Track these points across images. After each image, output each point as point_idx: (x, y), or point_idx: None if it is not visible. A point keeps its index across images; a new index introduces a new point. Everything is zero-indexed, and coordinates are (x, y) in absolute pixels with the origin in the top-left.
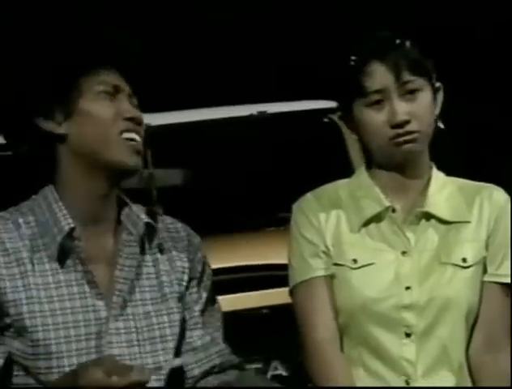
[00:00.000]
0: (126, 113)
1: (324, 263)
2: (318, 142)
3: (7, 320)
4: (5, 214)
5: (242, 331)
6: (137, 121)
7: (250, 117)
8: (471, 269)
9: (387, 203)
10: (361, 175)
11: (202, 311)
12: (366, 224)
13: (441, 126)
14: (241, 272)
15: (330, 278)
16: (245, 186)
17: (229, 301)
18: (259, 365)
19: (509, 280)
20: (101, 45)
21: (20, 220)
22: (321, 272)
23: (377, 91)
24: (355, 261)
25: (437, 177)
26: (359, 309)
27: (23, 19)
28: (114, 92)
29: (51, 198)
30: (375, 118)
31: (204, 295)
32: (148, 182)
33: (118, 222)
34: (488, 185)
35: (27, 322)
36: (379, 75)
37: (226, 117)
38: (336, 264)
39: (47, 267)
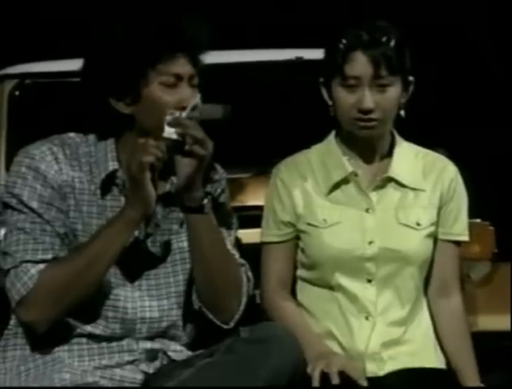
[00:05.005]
0: (183, 102)
1: (283, 231)
2: None
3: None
4: (66, 139)
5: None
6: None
7: (289, 61)
8: (424, 231)
9: (350, 169)
10: (330, 142)
11: None
12: (334, 187)
13: (403, 114)
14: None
15: (287, 242)
16: (277, 126)
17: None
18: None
19: (459, 238)
20: (174, 37)
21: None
22: (275, 238)
23: (354, 78)
24: (325, 221)
25: (399, 144)
26: (329, 261)
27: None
28: (176, 82)
29: (108, 148)
30: (346, 99)
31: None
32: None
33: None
34: (442, 157)
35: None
36: (359, 64)
37: (266, 60)
38: (309, 224)
39: (98, 191)
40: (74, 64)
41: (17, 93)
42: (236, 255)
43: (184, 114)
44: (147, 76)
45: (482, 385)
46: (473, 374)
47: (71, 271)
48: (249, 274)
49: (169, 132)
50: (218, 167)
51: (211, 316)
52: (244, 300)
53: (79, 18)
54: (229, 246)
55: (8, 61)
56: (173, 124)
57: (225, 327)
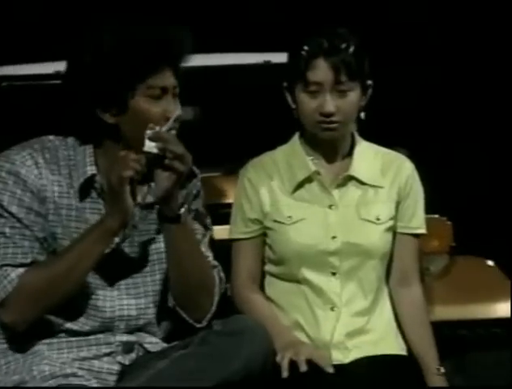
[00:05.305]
0: (168, 113)
1: (251, 228)
2: None
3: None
4: (46, 142)
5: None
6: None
7: (257, 65)
8: (383, 225)
9: (314, 168)
10: (295, 143)
11: None
12: (299, 186)
13: (362, 116)
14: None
15: (254, 238)
16: (245, 127)
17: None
18: None
19: (417, 231)
20: (162, 51)
21: (61, 154)
22: (243, 235)
23: (316, 84)
24: (290, 218)
25: (359, 144)
26: (295, 256)
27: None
28: (161, 94)
29: (87, 152)
30: (309, 104)
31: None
32: None
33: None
34: (399, 155)
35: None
36: (321, 71)
37: (235, 63)
38: (275, 221)
39: (77, 194)
40: (52, 67)
41: None
42: (210, 257)
43: (166, 127)
44: (136, 89)
45: (442, 368)
46: (433, 360)
47: (50, 276)
48: (222, 275)
49: (150, 146)
50: (195, 169)
51: (184, 315)
52: (216, 299)
53: (57, 21)
54: (203, 248)
55: None
56: (154, 138)
57: (198, 325)
